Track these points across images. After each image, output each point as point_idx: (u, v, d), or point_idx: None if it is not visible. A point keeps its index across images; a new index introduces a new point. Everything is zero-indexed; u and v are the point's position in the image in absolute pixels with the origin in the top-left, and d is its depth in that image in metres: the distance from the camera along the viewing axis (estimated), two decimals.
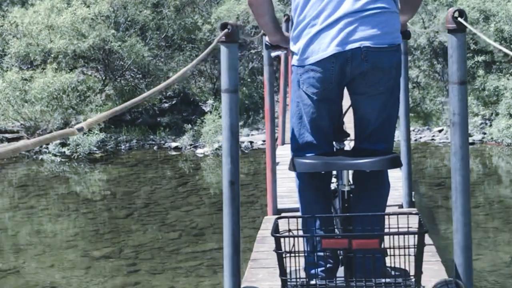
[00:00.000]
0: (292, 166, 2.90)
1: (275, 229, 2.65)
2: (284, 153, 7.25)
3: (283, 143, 8.23)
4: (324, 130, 3.02)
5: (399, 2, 3.03)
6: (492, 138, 10.99)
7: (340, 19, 2.87)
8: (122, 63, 12.68)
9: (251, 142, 11.71)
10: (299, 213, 3.12)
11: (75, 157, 10.67)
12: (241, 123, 11.97)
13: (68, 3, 12.49)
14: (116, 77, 12.87)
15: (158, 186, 8.73)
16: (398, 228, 2.76)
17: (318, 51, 2.89)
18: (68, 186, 9.19)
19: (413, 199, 5.31)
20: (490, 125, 11.34)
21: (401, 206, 5.22)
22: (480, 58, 11.69)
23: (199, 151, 11.20)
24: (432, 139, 11.51)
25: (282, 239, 2.64)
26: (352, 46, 2.86)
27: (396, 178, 5.36)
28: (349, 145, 3.28)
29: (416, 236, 2.60)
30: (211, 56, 14.37)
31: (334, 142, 3.15)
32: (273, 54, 3.38)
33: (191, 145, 11.62)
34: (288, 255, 2.66)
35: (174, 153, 11.29)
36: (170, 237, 6.58)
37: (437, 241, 5.41)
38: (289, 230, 2.70)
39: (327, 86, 2.92)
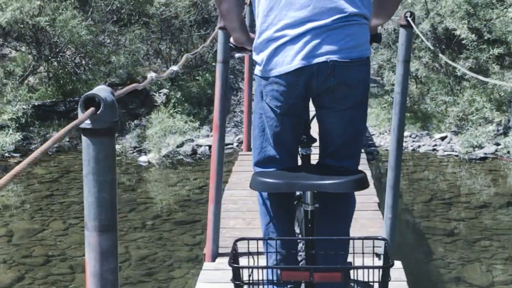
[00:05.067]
0: (254, 185, 2.70)
1: (234, 257, 2.39)
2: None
3: (249, 148, 6.97)
4: (287, 144, 2.88)
5: (374, 6, 2.82)
6: (508, 152, 8.81)
7: (306, 32, 2.65)
8: (57, 41, 10.30)
9: (209, 147, 9.45)
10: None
11: None
12: (197, 123, 9.69)
13: None
14: (49, 57, 10.49)
15: (72, 223, 6.40)
16: (363, 253, 2.57)
17: (282, 63, 2.69)
18: None
19: None
20: (506, 135, 9.16)
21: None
22: (496, 51, 9.44)
23: (142, 158, 8.89)
24: (434, 149, 9.31)
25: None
26: (319, 60, 2.65)
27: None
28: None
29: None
30: (169, 34, 12.09)
31: (299, 148, 2.91)
32: (237, 55, 3.13)
33: (135, 148, 9.33)
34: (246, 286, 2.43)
35: None
36: None
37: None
38: (249, 253, 2.57)
39: (292, 101, 2.74)
